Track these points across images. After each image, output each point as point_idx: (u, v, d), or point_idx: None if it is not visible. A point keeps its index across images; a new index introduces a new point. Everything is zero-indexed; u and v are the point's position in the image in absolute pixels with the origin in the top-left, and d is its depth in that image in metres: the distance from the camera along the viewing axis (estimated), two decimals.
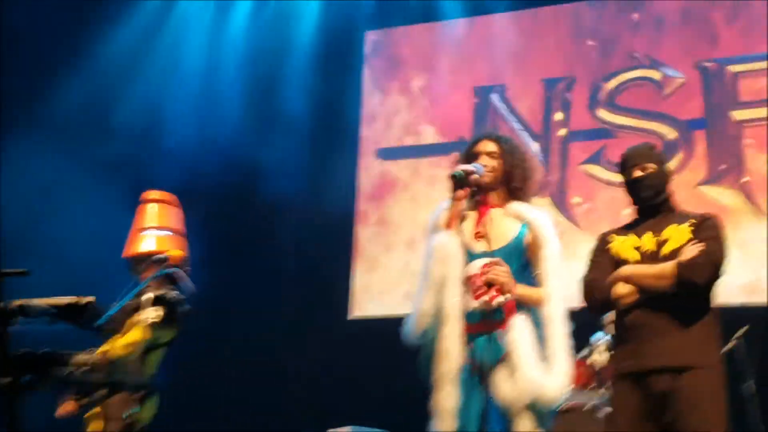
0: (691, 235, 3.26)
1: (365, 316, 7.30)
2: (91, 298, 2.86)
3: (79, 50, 7.41)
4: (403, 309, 6.73)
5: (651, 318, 3.24)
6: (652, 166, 3.43)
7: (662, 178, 3.43)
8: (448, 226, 3.48)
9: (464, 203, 3.51)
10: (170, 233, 4.30)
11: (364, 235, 7.51)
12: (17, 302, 2.60)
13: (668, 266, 3.18)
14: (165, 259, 3.49)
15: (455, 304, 3.38)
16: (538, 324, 3.46)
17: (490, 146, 3.63)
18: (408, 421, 6.10)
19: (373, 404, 6.54)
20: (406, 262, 7.25)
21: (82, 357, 2.79)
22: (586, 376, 5.24)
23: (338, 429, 5.87)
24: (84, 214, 6.46)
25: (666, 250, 3.28)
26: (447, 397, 3.32)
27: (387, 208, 7.53)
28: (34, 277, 2.73)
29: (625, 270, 3.29)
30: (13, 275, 2.66)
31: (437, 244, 3.45)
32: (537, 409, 3.38)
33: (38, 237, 6.42)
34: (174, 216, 4.44)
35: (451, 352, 3.34)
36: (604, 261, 3.40)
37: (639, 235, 3.37)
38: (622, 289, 3.28)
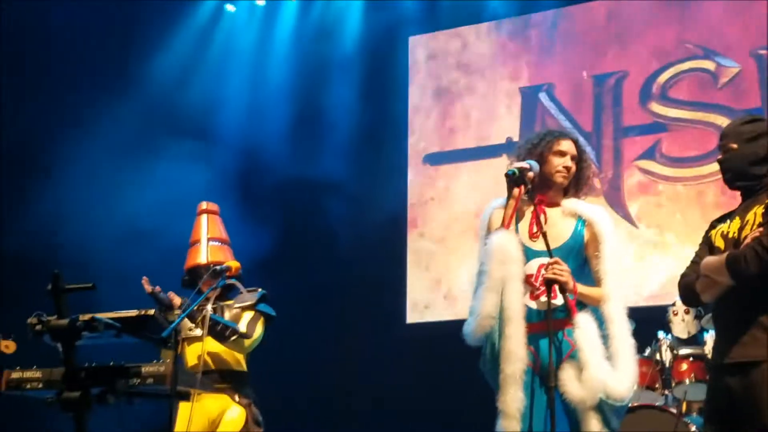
0: (761, 219, 3.07)
1: (420, 321, 7.27)
2: (153, 311, 2.88)
3: (129, 68, 7.52)
4: (456, 313, 6.79)
5: (726, 311, 3.15)
6: (733, 147, 3.18)
7: (746, 157, 3.14)
8: (505, 225, 3.44)
9: (520, 201, 3.46)
10: (220, 243, 4.35)
11: (416, 240, 7.49)
12: (84, 317, 2.62)
13: (723, 258, 3.09)
14: (226, 269, 3.51)
15: (518, 305, 3.35)
16: (600, 323, 3.40)
17: (573, 148, 3.57)
18: (464, 426, 6.10)
19: (430, 410, 6.50)
20: (459, 266, 7.20)
21: (150, 368, 2.81)
22: (651, 376, 5.14)
23: None
24: (137, 225, 6.55)
25: (743, 235, 3.11)
26: (512, 399, 3.30)
27: (437, 212, 7.49)
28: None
29: (703, 263, 3.19)
30: (79, 290, 2.69)
31: (496, 244, 3.40)
32: (604, 409, 3.33)
33: (97, 251, 6.53)
34: (222, 225, 4.49)
35: (516, 353, 3.31)
36: (701, 252, 3.29)
37: (731, 220, 3.22)
38: (700, 284, 3.19)
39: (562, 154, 3.51)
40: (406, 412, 6.59)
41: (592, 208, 3.56)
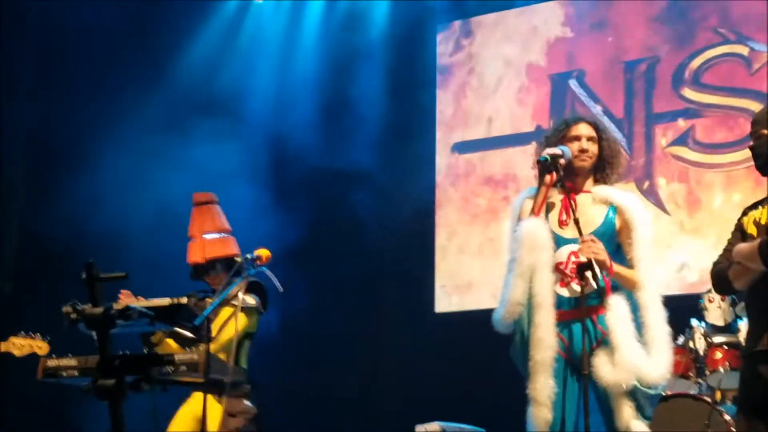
0: None
1: (449, 310, 7.26)
2: (186, 300, 2.90)
3: (159, 58, 7.56)
4: (485, 302, 6.76)
5: (758, 298, 3.12)
6: (765, 133, 3.18)
7: None
8: (535, 212, 3.43)
9: (551, 188, 3.44)
10: (218, 235, 4.30)
11: (445, 229, 7.47)
12: (118, 305, 2.65)
13: (755, 245, 3.04)
14: (256, 259, 3.51)
15: (547, 292, 3.34)
16: (635, 309, 3.38)
17: (589, 130, 3.56)
18: (494, 415, 6.09)
19: (459, 399, 6.50)
20: (487, 255, 7.18)
21: (183, 357, 2.83)
22: (684, 364, 5.10)
23: (426, 425, 5.85)
24: (168, 211, 6.62)
25: None
26: (543, 386, 3.31)
27: (465, 201, 7.47)
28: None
29: (735, 250, 3.16)
30: (113, 279, 2.71)
31: (526, 231, 3.40)
32: (638, 396, 3.30)
33: (130, 237, 6.60)
34: (219, 215, 4.43)
35: (546, 341, 3.32)
36: (733, 239, 3.27)
37: (764, 207, 3.21)
38: (732, 271, 3.15)
39: (578, 138, 3.51)
40: (435, 400, 6.59)
41: (623, 194, 3.54)
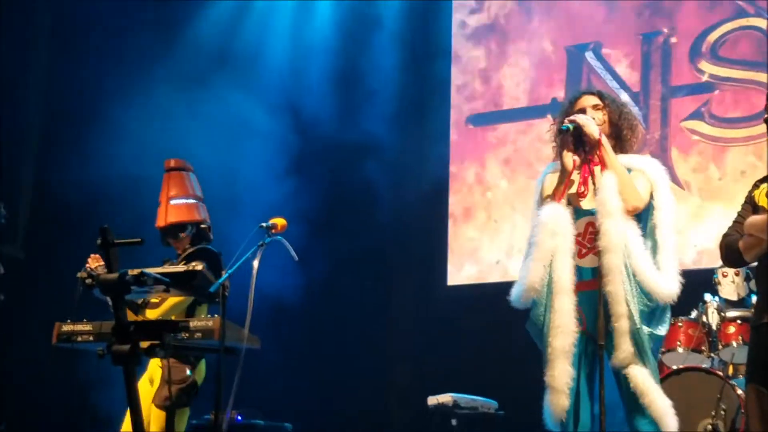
0: None
1: (462, 282, 7.26)
2: (201, 266, 2.90)
3: (179, 16, 7.52)
4: (497, 275, 6.74)
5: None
6: None
7: None
8: (557, 197, 3.41)
9: (574, 163, 3.42)
10: (185, 200, 4.33)
11: (458, 203, 7.45)
12: (134, 271, 2.65)
13: (766, 217, 3.03)
14: (272, 227, 3.50)
15: (567, 277, 3.33)
16: (647, 232, 3.36)
17: (592, 100, 3.58)
18: (506, 387, 6.11)
19: (471, 371, 6.51)
20: (501, 229, 7.16)
21: (198, 323, 2.84)
22: (697, 338, 5.09)
23: (438, 396, 5.87)
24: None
25: None
26: (561, 373, 3.29)
27: (480, 174, 7.43)
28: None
29: (747, 222, 3.14)
30: (128, 245, 2.71)
31: (547, 216, 3.39)
32: (640, 338, 3.25)
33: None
34: (190, 181, 4.44)
35: (565, 327, 3.30)
36: (744, 211, 3.25)
37: None
38: (743, 242, 3.13)
39: (583, 110, 3.52)
40: (447, 373, 6.61)
41: (641, 158, 3.54)
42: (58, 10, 7.38)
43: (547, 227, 3.36)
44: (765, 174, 3.33)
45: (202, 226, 4.32)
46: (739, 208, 3.34)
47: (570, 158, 3.40)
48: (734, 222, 3.28)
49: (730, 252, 3.22)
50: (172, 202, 4.31)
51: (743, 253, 3.14)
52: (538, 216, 3.42)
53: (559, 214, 3.38)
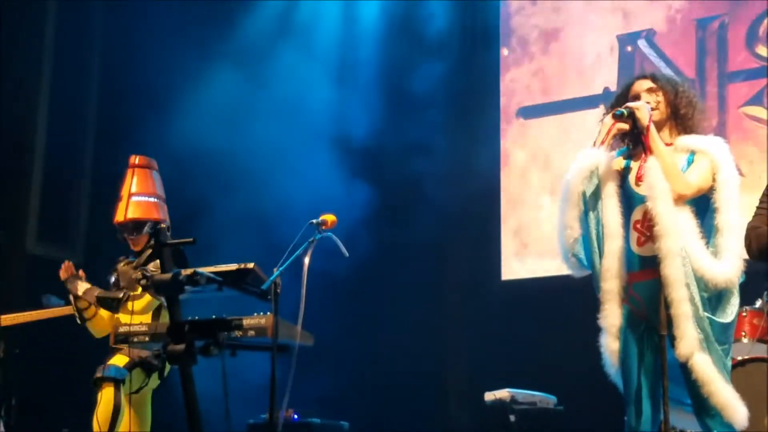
0: None
1: (516, 278, 7.18)
2: (252, 265, 2.90)
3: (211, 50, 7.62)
4: (552, 269, 6.66)
5: None
6: None
7: None
8: (596, 143, 3.42)
9: (620, 128, 3.38)
10: (146, 198, 4.36)
11: (511, 197, 7.37)
12: (187, 271, 2.66)
13: None
14: (322, 224, 3.49)
15: (616, 221, 3.34)
16: (702, 212, 3.29)
17: (646, 84, 3.51)
18: (561, 382, 6.02)
19: (529, 366, 6.44)
20: (554, 222, 7.05)
21: (251, 321, 2.84)
22: (762, 328, 4.95)
23: (495, 392, 5.81)
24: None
25: None
26: (608, 313, 3.35)
27: (531, 167, 7.35)
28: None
29: None
30: (181, 245, 2.72)
31: (581, 158, 3.41)
32: (702, 327, 3.17)
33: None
34: (153, 180, 4.46)
35: (612, 270, 3.32)
36: (765, 203, 3.16)
37: None
38: None
39: (637, 96, 3.45)
40: (501, 367, 6.55)
41: (704, 139, 3.43)
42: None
43: (578, 169, 3.38)
44: None
45: (162, 225, 4.26)
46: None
47: (610, 117, 3.38)
48: (755, 214, 3.20)
49: (755, 244, 3.15)
50: (134, 198, 4.35)
51: None
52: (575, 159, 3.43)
53: (595, 156, 3.38)
